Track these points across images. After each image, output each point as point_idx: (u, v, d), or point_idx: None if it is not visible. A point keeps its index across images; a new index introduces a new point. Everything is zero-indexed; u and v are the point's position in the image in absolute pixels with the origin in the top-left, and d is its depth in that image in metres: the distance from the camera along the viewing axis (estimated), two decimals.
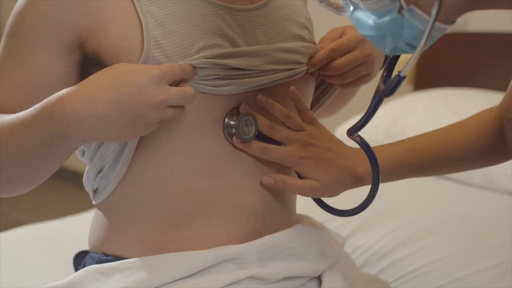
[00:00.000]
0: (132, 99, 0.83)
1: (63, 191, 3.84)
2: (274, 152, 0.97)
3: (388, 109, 2.23)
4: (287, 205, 1.05)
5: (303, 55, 1.01)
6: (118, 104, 0.83)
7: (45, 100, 0.85)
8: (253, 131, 0.96)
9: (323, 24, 1.33)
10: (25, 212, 3.39)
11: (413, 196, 1.83)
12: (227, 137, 0.96)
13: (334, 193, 1.02)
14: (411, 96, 2.38)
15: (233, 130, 0.95)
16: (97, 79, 0.85)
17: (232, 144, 0.96)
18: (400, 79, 0.81)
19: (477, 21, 2.50)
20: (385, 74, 0.90)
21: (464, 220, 1.63)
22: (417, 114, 2.13)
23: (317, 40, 1.08)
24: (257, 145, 0.97)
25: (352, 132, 0.96)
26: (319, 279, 1.05)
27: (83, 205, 2.40)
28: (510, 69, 2.37)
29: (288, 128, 0.99)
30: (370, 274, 1.21)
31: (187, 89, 0.88)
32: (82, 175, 1.05)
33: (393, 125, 2.12)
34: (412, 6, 0.73)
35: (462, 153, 1.05)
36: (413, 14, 0.73)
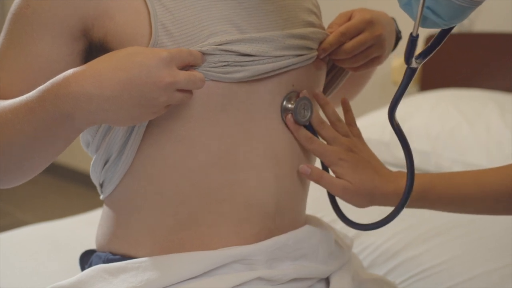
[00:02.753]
0: (140, 80, 0.82)
1: (67, 191, 3.84)
2: (317, 144, 1.01)
3: None
4: (297, 204, 1.04)
5: (312, 41, 1.00)
6: (126, 85, 0.82)
7: (50, 81, 0.84)
8: (308, 116, 1.00)
9: (331, 9, 1.32)
10: (29, 212, 3.39)
11: None
12: (283, 117, 0.99)
13: (360, 201, 1.02)
14: (416, 96, 2.37)
15: (289, 112, 0.99)
16: (105, 60, 0.85)
17: (285, 124, 0.99)
18: (412, 38, 0.85)
19: (483, 21, 2.49)
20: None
21: (471, 221, 1.62)
22: (423, 114, 2.12)
23: (325, 25, 1.07)
24: (305, 132, 1.00)
25: (391, 108, 0.95)
26: (327, 280, 1.05)
27: (87, 205, 2.40)
28: None
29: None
30: (378, 275, 1.21)
31: (196, 73, 0.87)
32: (86, 175, 1.05)
33: None
34: None
35: (497, 195, 1.01)
36: None
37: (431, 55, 0.88)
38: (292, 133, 1.00)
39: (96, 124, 0.91)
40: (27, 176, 0.93)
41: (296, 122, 0.99)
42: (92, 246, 1.10)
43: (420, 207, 1.05)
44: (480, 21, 2.51)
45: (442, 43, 0.88)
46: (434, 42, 0.88)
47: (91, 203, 2.43)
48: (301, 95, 0.99)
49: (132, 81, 0.82)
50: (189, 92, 0.88)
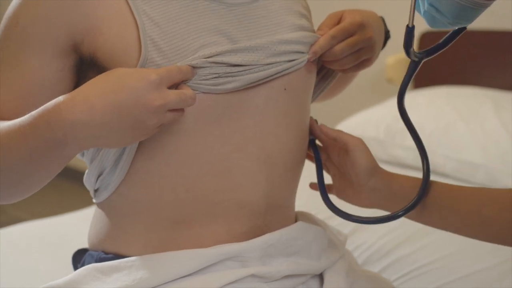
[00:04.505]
0: (130, 105, 0.82)
1: (61, 189, 3.83)
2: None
3: (389, 106, 2.22)
4: (287, 202, 1.04)
5: (303, 45, 1.00)
6: (116, 110, 0.82)
7: (42, 107, 0.84)
8: None
9: (321, 9, 1.31)
10: (23, 209, 3.37)
11: None
12: None
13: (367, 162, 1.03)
14: (411, 94, 2.37)
15: None
16: (94, 84, 0.84)
17: None
18: (408, 29, 0.88)
19: (478, 19, 2.49)
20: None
21: None
22: (418, 112, 2.12)
23: (315, 25, 1.07)
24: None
25: (399, 99, 0.98)
26: (320, 276, 1.05)
27: (81, 203, 2.39)
28: (510, 67, 2.37)
29: None
30: (372, 272, 1.21)
31: (186, 91, 0.87)
32: (80, 173, 1.04)
33: (393, 123, 2.11)
34: None
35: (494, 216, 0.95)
36: None
37: (435, 54, 0.89)
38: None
39: (89, 148, 0.92)
40: (23, 195, 0.94)
41: None
42: (86, 243, 1.10)
43: (417, 218, 1.03)
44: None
45: (449, 45, 0.88)
46: (442, 43, 0.89)
47: (85, 201, 2.42)
48: None
49: (121, 106, 0.82)
50: (181, 110, 0.88)
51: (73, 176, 3.81)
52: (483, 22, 2.52)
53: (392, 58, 2.52)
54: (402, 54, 0.91)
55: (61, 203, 3.50)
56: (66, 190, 3.79)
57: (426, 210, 1.00)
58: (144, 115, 0.83)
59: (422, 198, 0.99)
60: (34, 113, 0.84)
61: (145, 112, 0.83)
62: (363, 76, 1.37)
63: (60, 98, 0.83)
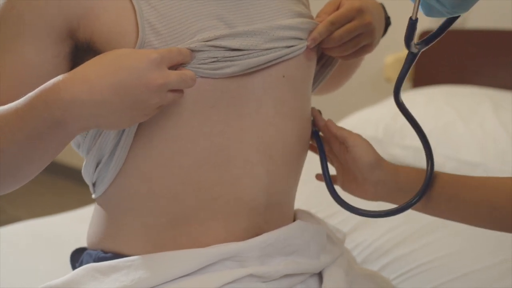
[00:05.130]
0: (131, 84, 0.81)
1: (59, 188, 3.83)
2: None
3: (387, 106, 2.22)
4: (286, 198, 1.04)
5: (302, 31, 0.99)
6: (116, 89, 0.81)
7: (39, 88, 0.83)
8: None
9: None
10: (21, 208, 3.37)
11: None
12: None
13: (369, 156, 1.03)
14: (410, 93, 2.37)
15: None
16: (93, 64, 0.83)
17: None
18: (412, 22, 0.87)
19: (476, 18, 2.49)
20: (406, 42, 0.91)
21: None
22: (417, 111, 2.09)
23: (313, 14, 1.06)
24: None
25: (395, 90, 0.96)
26: (319, 275, 1.05)
27: (79, 202, 2.39)
28: (509, 66, 2.37)
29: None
30: (371, 271, 1.20)
31: (187, 72, 0.86)
32: (78, 171, 1.04)
33: (392, 122, 2.11)
34: None
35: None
36: None
37: (433, 42, 0.89)
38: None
39: (88, 130, 0.90)
40: (20, 183, 0.92)
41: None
42: (84, 242, 1.09)
43: (424, 210, 1.02)
44: (473, 17, 2.51)
45: (444, 32, 0.88)
46: (437, 31, 0.89)
47: (83, 200, 2.42)
48: None
49: (122, 85, 0.81)
50: (181, 91, 0.87)
51: (71, 175, 3.81)
52: (482, 21, 2.52)
53: (391, 58, 2.52)
54: (401, 53, 0.90)
55: (59, 203, 3.50)
56: (64, 190, 3.79)
57: (432, 201, 0.99)
58: (146, 95, 0.82)
59: (427, 189, 0.98)
60: (31, 94, 0.83)
61: (146, 92, 0.82)
62: (362, 75, 1.37)
63: (59, 77, 0.82)
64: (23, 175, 0.90)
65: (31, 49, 0.89)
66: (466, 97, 2.22)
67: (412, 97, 2.25)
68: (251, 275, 0.95)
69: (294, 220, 1.07)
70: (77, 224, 1.61)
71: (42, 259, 1.49)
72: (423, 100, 2.20)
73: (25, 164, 0.87)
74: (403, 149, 2.01)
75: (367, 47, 1.07)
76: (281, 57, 0.96)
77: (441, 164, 1.94)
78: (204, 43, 0.90)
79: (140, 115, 0.85)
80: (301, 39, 0.99)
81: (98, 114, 0.82)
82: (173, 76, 0.84)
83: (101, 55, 0.85)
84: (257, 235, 0.98)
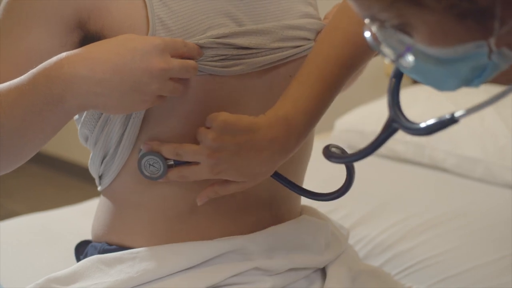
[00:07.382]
0: (133, 65, 0.82)
1: (59, 183, 3.82)
2: (189, 176, 0.91)
3: None
4: (293, 194, 1.03)
5: (310, 32, 1.00)
6: (118, 69, 0.82)
7: (42, 64, 0.83)
8: (161, 169, 0.90)
9: (326, 1, 1.31)
10: (21, 203, 3.37)
11: (415, 189, 1.82)
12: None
13: (268, 174, 0.93)
14: (411, 88, 2.37)
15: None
16: (99, 44, 0.85)
17: None
18: (451, 120, 0.69)
19: None
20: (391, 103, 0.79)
21: (466, 213, 1.62)
22: (418, 106, 2.12)
23: (321, 16, 1.06)
24: (173, 174, 0.91)
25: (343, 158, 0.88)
26: (323, 270, 1.05)
27: (79, 197, 2.39)
28: None
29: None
30: (374, 266, 1.20)
31: (189, 61, 0.86)
32: (78, 167, 1.03)
33: None
34: (504, 49, 0.62)
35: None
36: (504, 57, 0.63)
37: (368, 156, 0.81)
38: None
39: (87, 110, 0.88)
40: (13, 165, 0.91)
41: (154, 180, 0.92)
42: (87, 236, 1.09)
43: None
44: None
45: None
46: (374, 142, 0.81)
47: (83, 195, 2.42)
48: (140, 152, 0.92)
49: (124, 66, 0.82)
50: (181, 83, 0.87)
51: (71, 170, 3.81)
52: None
53: None
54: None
55: (59, 198, 3.49)
56: (64, 185, 3.79)
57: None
58: (146, 78, 0.83)
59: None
60: (33, 70, 0.84)
61: (147, 75, 0.82)
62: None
63: (63, 54, 0.83)
64: (16, 156, 0.89)
65: (38, 36, 0.89)
66: (466, 93, 2.21)
67: (413, 93, 2.25)
68: (256, 268, 0.96)
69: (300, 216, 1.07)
70: (78, 219, 1.60)
71: (44, 254, 1.49)
72: (423, 95, 2.20)
73: (21, 142, 0.87)
74: (404, 144, 2.01)
75: None
76: (289, 57, 0.97)
77: (441, 160, 1.95)
78: (212, 40, 0.90)
79: (139, 100, 0.85)
80: (309, 39, 0.99)
81: (97, 93, 0.82)
82: (175, 62, 0.84)
83: (108, 39, 0.86)
84: (263, 229, 0.98)
